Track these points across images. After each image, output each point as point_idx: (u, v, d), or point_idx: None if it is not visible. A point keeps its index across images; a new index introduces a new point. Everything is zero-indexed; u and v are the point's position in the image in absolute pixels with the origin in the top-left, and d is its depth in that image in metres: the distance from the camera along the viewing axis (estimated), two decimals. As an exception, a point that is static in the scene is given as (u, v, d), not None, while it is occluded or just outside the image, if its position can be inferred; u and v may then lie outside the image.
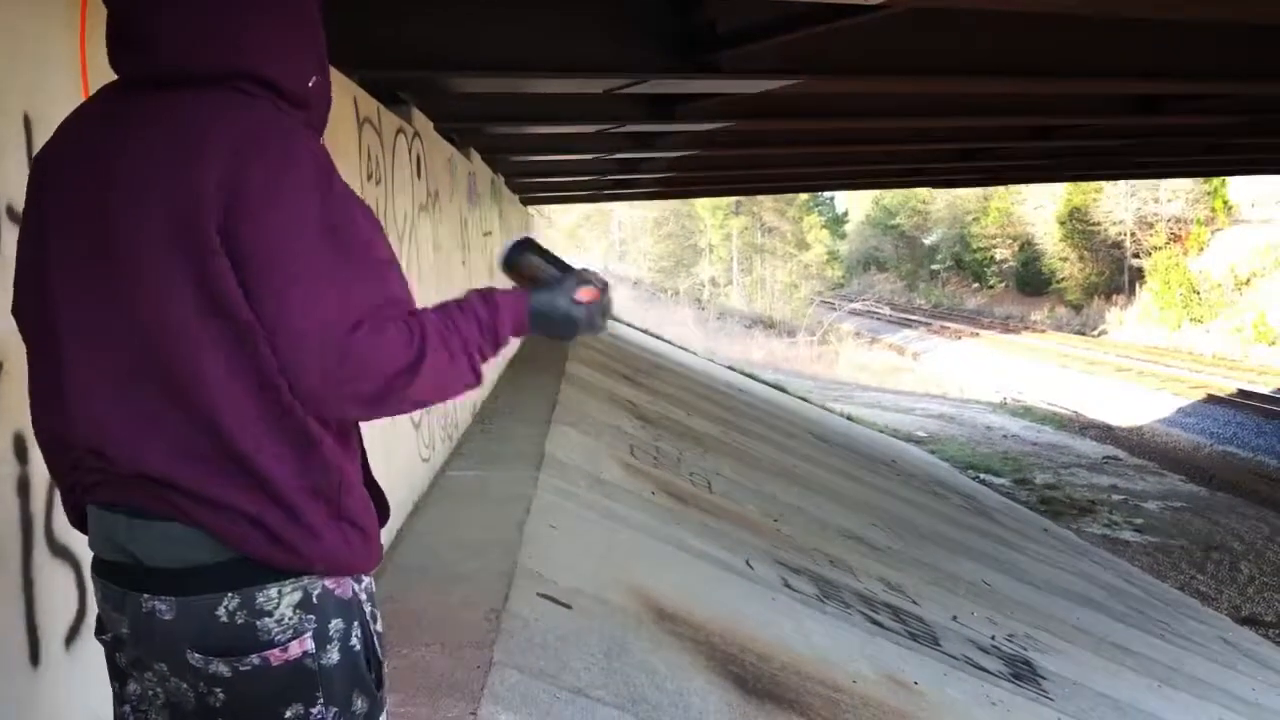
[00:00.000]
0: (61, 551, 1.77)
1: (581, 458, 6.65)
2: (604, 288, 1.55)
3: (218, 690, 1.36)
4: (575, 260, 1.59)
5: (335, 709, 1.41)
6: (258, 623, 1.36)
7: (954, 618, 6.58)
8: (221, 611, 1.35)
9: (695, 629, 4.27)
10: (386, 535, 4.38)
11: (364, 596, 1.47)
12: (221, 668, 1.35)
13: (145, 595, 1.37)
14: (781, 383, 21.73)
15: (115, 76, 1.46)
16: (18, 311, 1.47)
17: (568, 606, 3.94)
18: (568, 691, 3.28)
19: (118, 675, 1.48)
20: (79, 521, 1.51)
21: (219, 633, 1.35)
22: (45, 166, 1.46)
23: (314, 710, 1.39)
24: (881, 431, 18.43)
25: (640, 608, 4.28)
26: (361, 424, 1.50)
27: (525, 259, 1.59)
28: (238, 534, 1.34)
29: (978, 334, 35.60)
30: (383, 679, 1.49)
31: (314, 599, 1.39)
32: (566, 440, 6.89)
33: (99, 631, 1.50)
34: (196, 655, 1.35)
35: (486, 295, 1.47)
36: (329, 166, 1.39)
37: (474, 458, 6.21)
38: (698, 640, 4.17)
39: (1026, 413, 23.00)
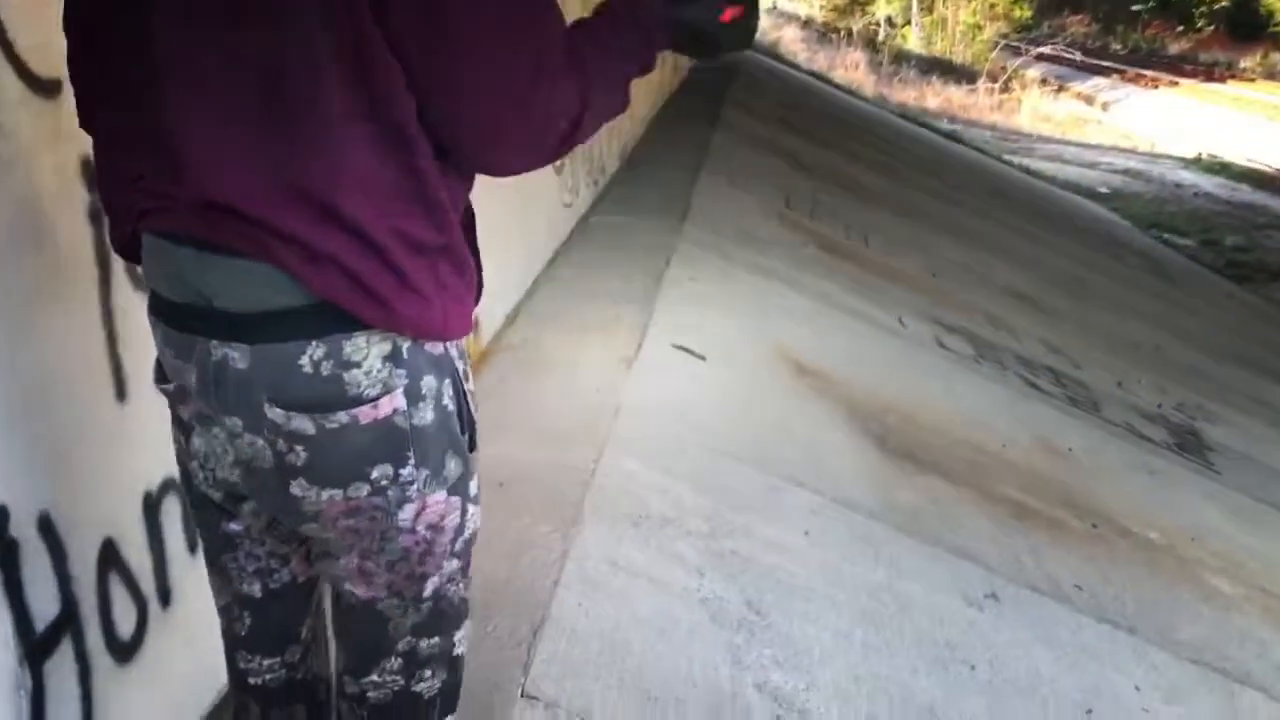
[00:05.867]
0: (142, 281, 1.69)
1: (730, 209, 6.43)
2: (751, 3, 1.41)
3: (299, 448, 1.24)
4: None
5: (427, 471, 1.29)
6: (345, 375, 1.22)
7: (1119, 384, 6.28)
8: (305, 361, 1.21)
9: (836, 385, 4.14)
10: (524, 281, 4.34)
11: (455, 353, 1.33)
12: (305, 424, 1.22)
13: (215, 341, 1.23)
14: (957, 132, 20.67)
15: None
16: None
17: (703, 358, 3.84)
18: (695, 443, 3.21)
19: (182, 428, 1.38)
20: (127, 249, 1.36)
21: (303, 385, 1.22)
22: None
23: (403, 471, 1.27)
24: (1061, 187, 17.47)
25: (780, 362, 4.16)
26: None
27: None
28: (328, 282, 1.19)
29: (1177, 83, 32.96)
30: (475, 441, 1.37)
31: (404, 352, 1.25)
32: (716, 189, 6.66)
33: (159, 380, 1.38)
34: (277, 410, 1.22)
35: (634, 15, 1.32)
36: None
37: (619, 205, 6.05)
38: (838, 397, 4.04)
39: (1223, 169, 21.42)
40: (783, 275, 5.35)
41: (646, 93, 8.80)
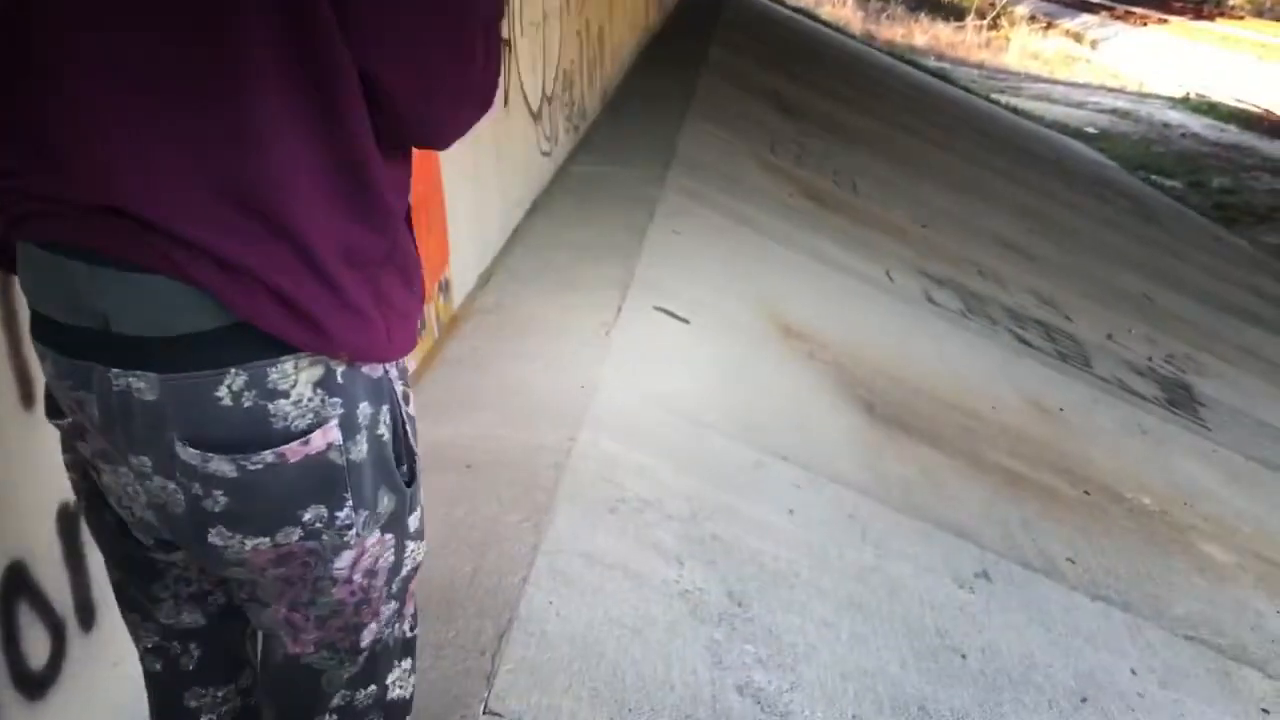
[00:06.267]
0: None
1: (716, 154, 6.23)
2: None
3: (217, 493, 1.06)
4: None
5: (366, 513, 1.13)
6: (270, 406, 1.04)
7: (1109, 336, 6.16)
8: (224, 392, 1.03)
9: (824, 348, 3.99)
10: (500, 236, 4.15)
11: (395, 374, 1.17)
12: (225, 466, 1.05)
13: (116, 370, 1.03)
14: (944, 71, 20.36)
15: None
16: None
17: (686, 321, 3.67)
18: (677, 416, 3.06)
19: (83, 465, 1.18)
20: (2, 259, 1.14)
21: (221, 420, 1.04)
22: None
23: (339, 514, 1.11)
24: (1048, 127, 17.23)
25: (766, 323, 4.00)
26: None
27: None
28: (251, 302, 1.01)
29: (1166, 20, 32.54)
30: (415, 472, 1.21)
31: (338, 376, 1.08)
32: (701, 135, 6.45)
33: (51, 414, 1.17)
34: (191, 450, 1.04)
35: None
36: None
37: (600, 152, 5.84)
38: (826, 360, 3.90)
39: (1211, 110, 21.22)
40: (769, 227, 5.18)
41: (630, 30, 8.53)
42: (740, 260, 4.55)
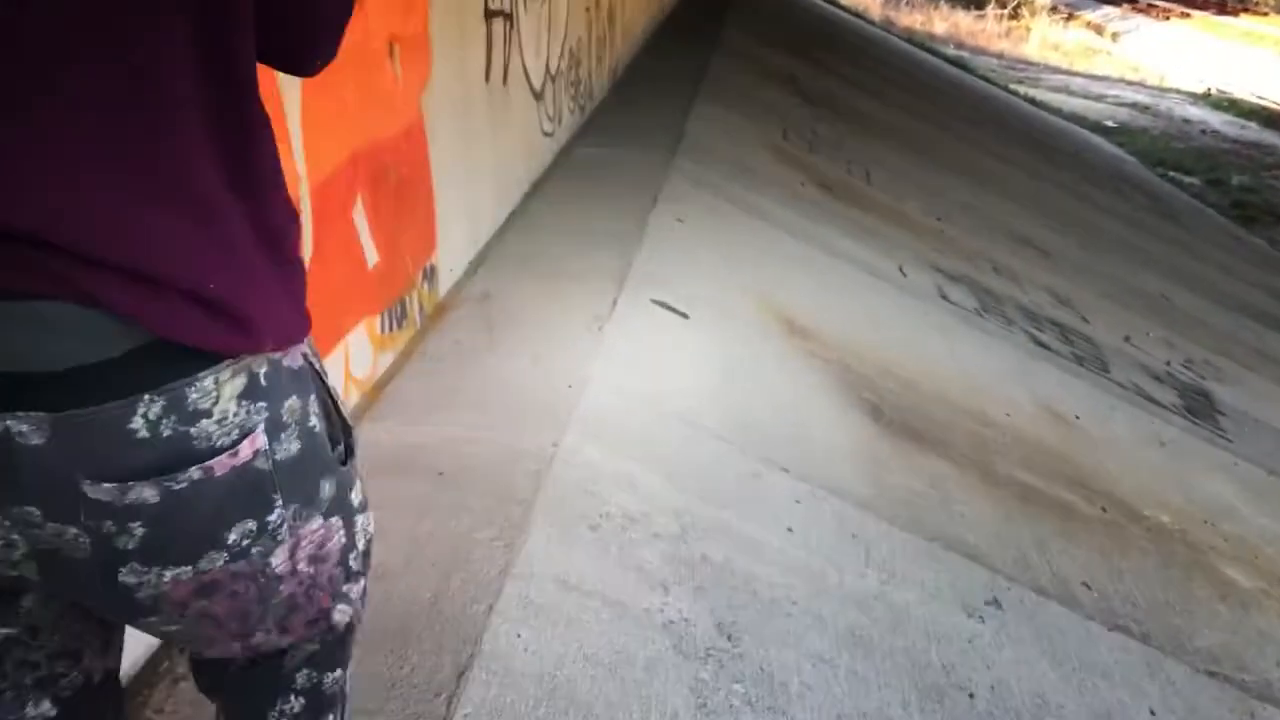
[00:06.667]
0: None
1: (725, 140, 6.00)
2: None
3: (134, 524, 0.92)
4: None
5: (296, 505, 1.01)
6: (193, 429, 0.91)
7: (1127, 338, 5.94)
8: (138, 423, 0.89)
9: (830, 347, 3.78)
10: (494, 220, 3.95)
11: (311, 353, 1.05)
12: (148, 492, 0.91)
13: None
14: (964, 60, 20.07)
15: None
16: None
17: (685, 315, 3.47)
18: (669, 419, 2.86)
19: None
20: None
21: (136, 453, 0.89)
22: None
23: (270, 518, 0.98)
24: (1067, 119, 16.94)
25: (769, 319, 3.79)
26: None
27: None
28: (168, 318, 0.88)
29: (1189, 14, 32.20)
30: (353, 446, 1.10)
31: (262, 380, 0.95)
32: (711, 119, 6.22)
33: None
34: (105, 485, 0.90)
35: None
36: None
37: (605, 134, 5.61)
38: (832, 360, 3.69)
39: (1232, 106, 20.93)
40: (778, 217, 4.96)
41: (643, 8, 8.30)
42: (745, 251, 4.34)
